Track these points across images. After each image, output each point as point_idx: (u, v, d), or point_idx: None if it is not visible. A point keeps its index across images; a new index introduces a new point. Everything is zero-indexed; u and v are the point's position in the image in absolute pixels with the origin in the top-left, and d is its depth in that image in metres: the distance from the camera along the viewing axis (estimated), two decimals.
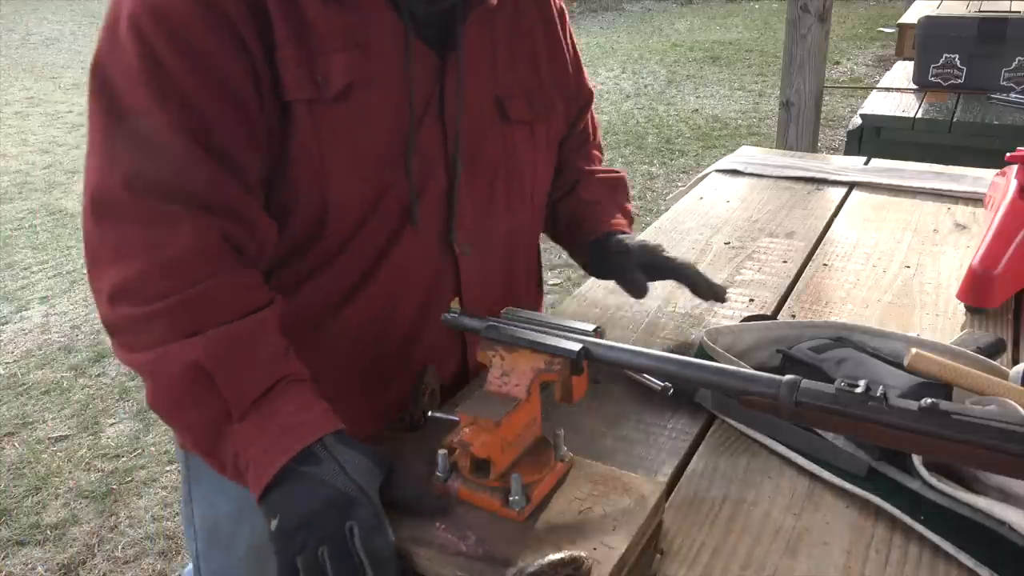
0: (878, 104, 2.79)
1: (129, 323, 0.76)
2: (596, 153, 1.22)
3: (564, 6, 1.07)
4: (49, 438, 2.70)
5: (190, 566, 1.07)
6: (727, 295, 1.04)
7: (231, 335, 0.74)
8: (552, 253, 3.92)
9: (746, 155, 1.88)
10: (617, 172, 1.19)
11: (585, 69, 1.14)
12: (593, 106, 1.19)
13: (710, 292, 1.02)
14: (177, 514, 2.32)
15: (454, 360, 1.01)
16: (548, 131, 1.02)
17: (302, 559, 0.66)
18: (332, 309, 0.91)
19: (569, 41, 1.07)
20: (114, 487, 2.44)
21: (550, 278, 3.69)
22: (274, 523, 0.68)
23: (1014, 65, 2.73)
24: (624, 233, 1.10)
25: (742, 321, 1.04)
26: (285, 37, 0.79)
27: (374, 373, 0.96)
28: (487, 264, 0.99)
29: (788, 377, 0.65)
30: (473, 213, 0.95)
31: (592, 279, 1.30)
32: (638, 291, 1.03)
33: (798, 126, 3.18)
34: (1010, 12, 3.68)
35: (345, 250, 0.89)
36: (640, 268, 1.03)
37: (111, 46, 0.76)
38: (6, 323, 3.49)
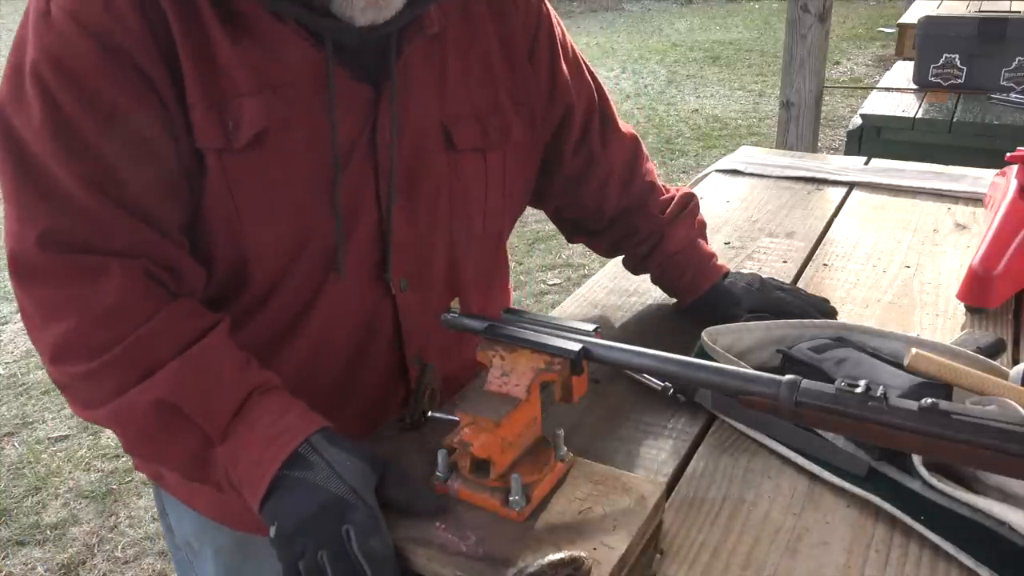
0: (878, 104, 2.79)
1: (79, 380, 0.74)
2: (651, 169, 1.16)
3: (550, 16, 0.99)
4: (49, 438, 2.70)
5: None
6: (836, 312, 1.10)
7: (187, 363, 0.73)
8: (551, 253, 3.92)
9: (746, 155, 1.88)
10: (687, 196, 1.15)
11: (584, 73, 1.06)
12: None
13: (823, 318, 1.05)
14: None
15: (400, 391, 0.95)
16: (504, 156, 0.95)
17: (303, 564, 0.67)
18: (263, 356, 0.84)
19: (543, 55, 0.98)
20: (114, 487, 2.44)
21: (550, 278, 3.68)
22: (272, 530, 0.69)
23: (1014, 65, 2.73)
24: (725, 276, 1.11)
25: (742, 321, 1.04)
26: (193, 82, 0.74)
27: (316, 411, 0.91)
28: (428, 299, 0.93)
29: (788, 377, 0.65)
30: (411, 247, 0.90)
31: (592, 279, 1.31)
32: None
33: (798, 126, 3.18)
34: (1010, 12, 3.68)
35: (269, 300, 0.85)
36: (748, 314, 1.04)
37: (15, 96, 0.73)
38: (6, 323, 3.49)
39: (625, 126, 1.14)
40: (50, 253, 0.72)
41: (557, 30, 1.01)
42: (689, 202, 1.15)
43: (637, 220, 1.12)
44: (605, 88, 1.11)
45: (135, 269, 0.74)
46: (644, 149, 1.16)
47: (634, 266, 1.18)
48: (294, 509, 0.69)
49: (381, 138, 0.84)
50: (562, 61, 1.01)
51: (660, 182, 1.17)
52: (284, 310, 0.86)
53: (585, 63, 1.08)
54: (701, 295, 1.10)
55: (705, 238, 1.16)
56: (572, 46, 1.05)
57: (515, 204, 1.03)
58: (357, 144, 0.83)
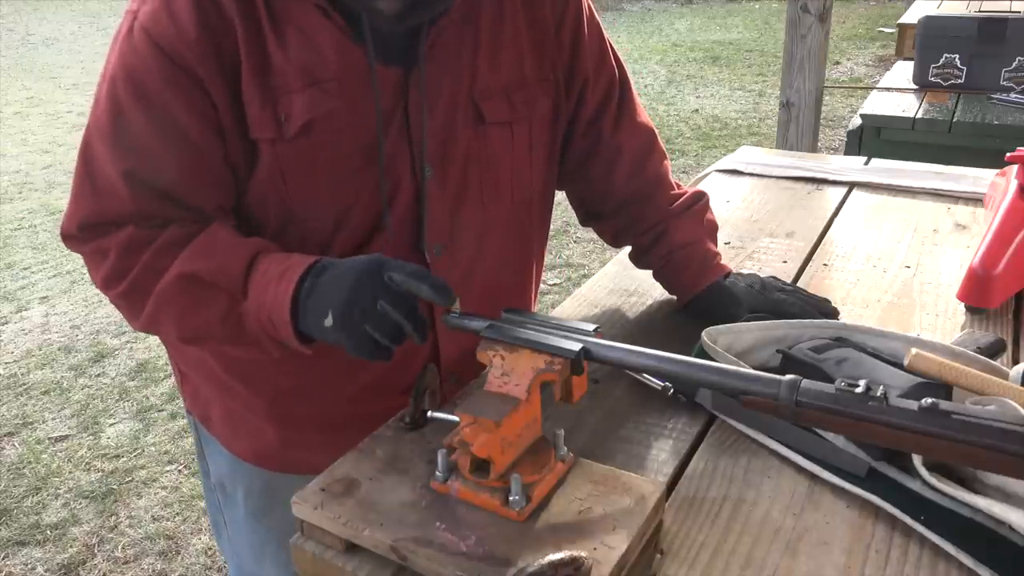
0: (878, 104, 2.79)
1: (124, 298, 0.90)
2: (666, 165, 1.18)
3: (584, 4, 1.05)
4: (49, 438, 2.70)
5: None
6: (838, 312, 1.10)
7: (196, 244, 0.87)
8: (551, 253, 3.92)
9: (746, 155, 1.88)
10: (698, 194, 1.16)
11: (608, 58, 1.10)
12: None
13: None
14: (177, 514, 2.32)
15: (424, 352, 1.03)
16: (531, 127, 1.03)
17: (370, 323, 0.75)
18: None
19: (567, 31, 1.03)
20: (114, 487, 2.44)
21: (550, 278, 3.68)
22: (329, 319, 0.77)
23: (1014, 65, 2.73)
24: (727, 275, 1.11)
25: (742, 321, 1.04)
26: (250, 82, 0.86)
27: (344, 365, 0.98)
28: (460, 262, 1.01)
29: (788, 377, 0.65)
30: (443, 215, 0.98)
31: (592, 279, 1.31)
32: None
33: (798, 126, 3.17)
34: (1010, 12, 3.68)
35: None
36: (749, 314, 1.05)
37: (94, 103, 0.89)
38: (6, 323, 3.49)
39: (644, 118, 1.16)
40: (87, 232, 0.90)
41: (585, 11, 1.06)
42: (698, 200, 1.16)
43: (643, 210, 1.14)
44: (631, 79, 1.14)
45: (149, 224, 0.88)
46: (660, 144, 1.18)
47: (638, 258, 1.19)
48: (336, 290, 0.79)
49: (413, 116, 0.93)
50: (585, 38, 1.06)
51: (674, 180, 1.18)
52: None
53: (614, 52, 1.12)
54: (700, 292, 1.10)
55: (714, 239, 1.16)
56: (600, 31, 1.10)
57: (542, 175, 1.08)
58: (391, 121, 0.92)
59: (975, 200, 1.53)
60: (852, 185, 1.66)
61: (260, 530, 1.12)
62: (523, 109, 1.01)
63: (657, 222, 1.13)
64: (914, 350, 0.82)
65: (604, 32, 1.10)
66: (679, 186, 1.18)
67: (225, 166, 0.89)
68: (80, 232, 0.90)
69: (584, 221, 1.25)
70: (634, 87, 1.15)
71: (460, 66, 0.95)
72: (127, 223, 0.88)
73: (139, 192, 0.87)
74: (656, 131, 1.18)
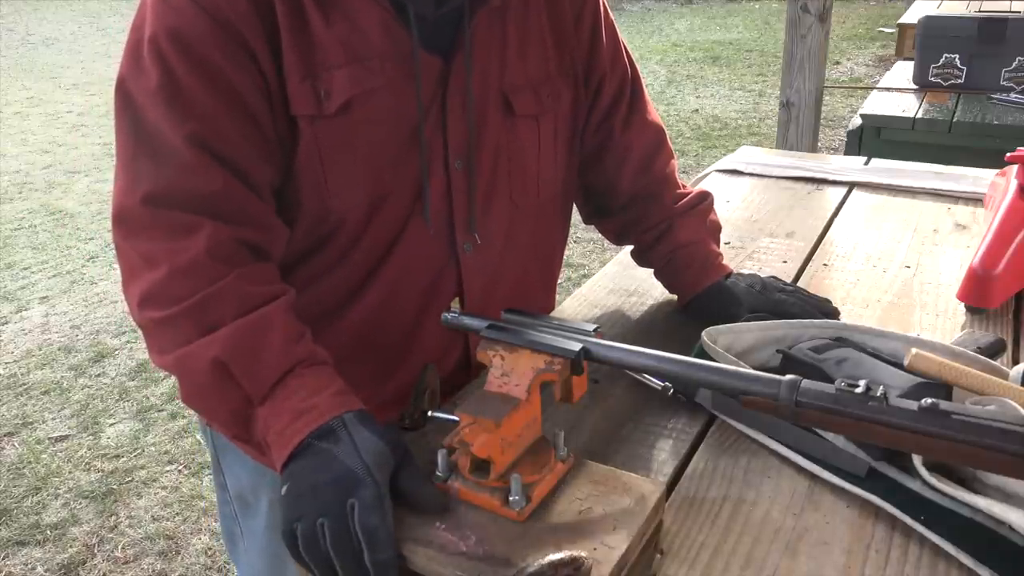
0: (878, 104, 2.79)
1: (156, 326, 0.81)
2: (673, 164, 1.18)
3: (600, 1, 1.06)
4: (49, 438, 2.70)
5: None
6: (839, 312, 1.09)
7: (242, 328, 0.79)
8: None
9: (746, 155, 1.88)
10: (703, 194, 1.17)
11: (621, 55, 1.11)
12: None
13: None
14: (177, 514, 2.32)
15: (456, 352, 1.04)
16: (556, 121, 1.03)
17: (301, 526, 0.69)
18: (334, 310, 0.96)
19: (586, 24, 1.04)
20: (114, 487, 2.44)
21: None
22: (284, 488, 0.72)
23: (1014, 65, 2.73)
24: (727, 276, 1.11)
25: (742, 321, 1.04)
26: (291, 55, 0.83)
27: (376, 367, 0.99)
28: (490, 259, 1.01)
29: (788, 377, 0.65)
30: (474, 211, 0.97)
31: (592, 279, 1.31)
32: None
33: (798, 126, 3.18)
34: (1010, 12, 3.68)
35: (347, 256, 0.93)
36: (749, 314, 1.05)
37: (134, 66, 0.82)
38: (6, 323, 3.49)
39: (655, 117, 1.17)
40: (152, 209, 0.80)
41: (602, 8, 1.07)
42: (703, 200, 1.16)
43: (648, 208, 1.14)
44: (641, 77, 1.15)
45: (225, 231, 0.81)
46: (668, 144, 1.18)
47: (640, 256, 1.19)
48: (309, 474, 0.72)
49: (451, 106, 0.92)
50: (602, 34, 1.07)
51: (679, 180, 1.18)
52: (359, 268, 0.94)
53: (626, 50, 1.12)
54: (701, 292, 1.10)
55: (717, 240, 1.16)
56: (614, 29, 1.10)
57: (564, 169, 1.08)
58: (430, 111, 0.91)
59: (975, 200, 1.53)
60: (852, 185, 1.66)
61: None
62: (549, 102, 1.01)
63: (661, 220, 1.13)
64: (914, 350, 0.82)
65: (617, 30, 1.11)
66: (684, 186, 1.18)
67: (277, 142, 0.85)
68: (144, 206, 0.80)
69: (587, 219, 1.25)
70: (645, 86, 1.16)
71: (490, 57, 0.95)
72: (199, 209, 0.80)
73: (203, 158, 0.80)
74: (665, 130, 1.19)
